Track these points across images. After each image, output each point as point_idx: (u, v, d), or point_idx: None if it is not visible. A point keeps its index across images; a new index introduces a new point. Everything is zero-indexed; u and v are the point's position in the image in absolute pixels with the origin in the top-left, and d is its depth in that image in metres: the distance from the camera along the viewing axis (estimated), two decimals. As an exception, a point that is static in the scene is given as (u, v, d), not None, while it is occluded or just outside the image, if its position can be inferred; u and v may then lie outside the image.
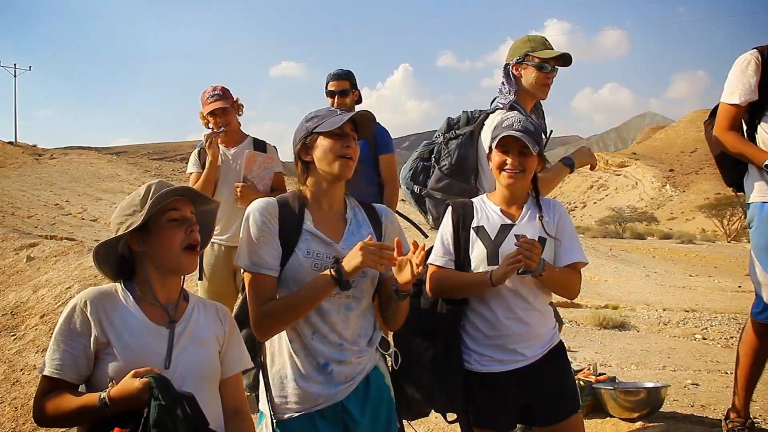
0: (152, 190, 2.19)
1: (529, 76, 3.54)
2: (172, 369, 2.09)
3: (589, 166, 3.77)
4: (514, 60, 3.58)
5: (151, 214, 2.13)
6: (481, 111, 3.70)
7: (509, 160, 2.70)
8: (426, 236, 3.62)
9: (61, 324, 2.07)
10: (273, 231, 2.30)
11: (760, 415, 4.78)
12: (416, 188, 3.77)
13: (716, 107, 3.63)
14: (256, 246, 2.28)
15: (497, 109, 3.56)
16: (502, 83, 3.58)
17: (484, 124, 3.54)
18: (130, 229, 2.14)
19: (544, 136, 2.85)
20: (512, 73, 3.58)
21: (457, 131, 3.71)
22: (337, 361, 2.32)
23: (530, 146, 2.64)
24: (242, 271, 2.34)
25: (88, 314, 2.06)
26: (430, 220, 3.77)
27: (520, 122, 2.71)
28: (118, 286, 2.20)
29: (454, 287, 2.71)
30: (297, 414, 2.32)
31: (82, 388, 2.09)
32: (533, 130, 2.69)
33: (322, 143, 2.33)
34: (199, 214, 2.30)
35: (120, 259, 2.22)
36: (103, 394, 1.94)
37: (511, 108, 3.49)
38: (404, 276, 2.23)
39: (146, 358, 2.06)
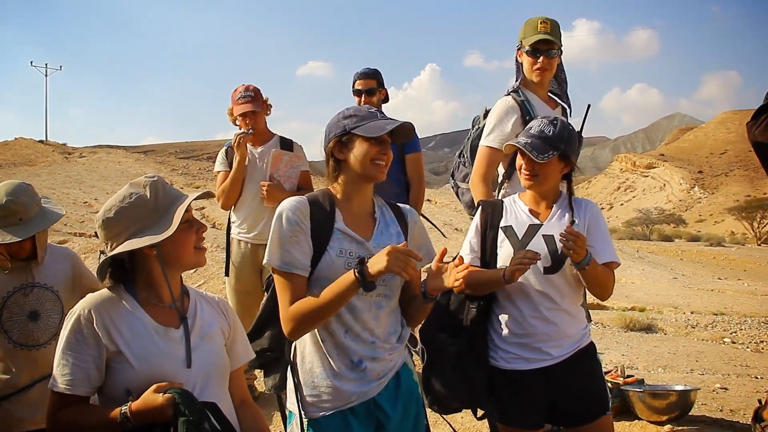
0: (159, 192, 2.12)
1: (524, 62, 3.65)
2: (192, 369, 2.07)
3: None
4: (516, 46, 3.69)
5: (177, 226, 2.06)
6: None
7: (523, 165, 2.74)
8: (445, 236, 3.68)
9: (67, 337, 2.00)
10: (305, 230, 2.29)
11: None
12: (452, 182, 4.01)
13: (760, 107, 3.55)
14: (288, 245, 2.27)
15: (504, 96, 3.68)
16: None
17: None
18: (159, 239, 2.03)
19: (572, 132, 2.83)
20: (516, 59, 3.70)
21: (478, 126, 3.86)
22: (371, 358, 2.33)
23: (533, 157, 2.64)
24: (272, 270, 2.34)
25: (95, 324, 1.99)
26: (465, 208, 3.98)
27: (539, 126, 2.73)
28: (120, 291, 2.11)
29: (476, 284, 2.71)
30: (329, 412, 2.32)
31: (94, 398, 2.04)
32: (551, 135, 2.69)
33: (360, 146, 2.32)
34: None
35: (117, 263, 2.13)
36: (125, 409, 1.90)
37: (514, 93, 3.62)
38: (438, 283, 2.26)
39: (162, 363, 2.03)
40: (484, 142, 3.60)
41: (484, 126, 3.73)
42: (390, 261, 2.10)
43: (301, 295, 2.27)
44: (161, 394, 1.89)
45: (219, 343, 2.22)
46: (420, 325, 2.72)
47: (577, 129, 3.57)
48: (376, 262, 2.14)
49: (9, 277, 2.97)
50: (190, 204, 2.14)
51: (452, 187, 4.15)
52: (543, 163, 2.68)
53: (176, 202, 2.13)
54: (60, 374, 1.97)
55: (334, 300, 2.21)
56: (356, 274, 2.16)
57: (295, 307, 2.25)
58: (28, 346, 2.93)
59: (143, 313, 2.08)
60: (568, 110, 3.87)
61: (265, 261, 2.32)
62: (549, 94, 3.79)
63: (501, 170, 3.68)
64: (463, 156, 3.99)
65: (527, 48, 3.58)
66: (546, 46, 3.55)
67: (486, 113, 3.82)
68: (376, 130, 2.30)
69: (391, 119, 2.38)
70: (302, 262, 2.28)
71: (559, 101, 3.83)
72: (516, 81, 3.68)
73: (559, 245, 2.59)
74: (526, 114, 3.53)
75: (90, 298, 2.08)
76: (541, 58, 3.55)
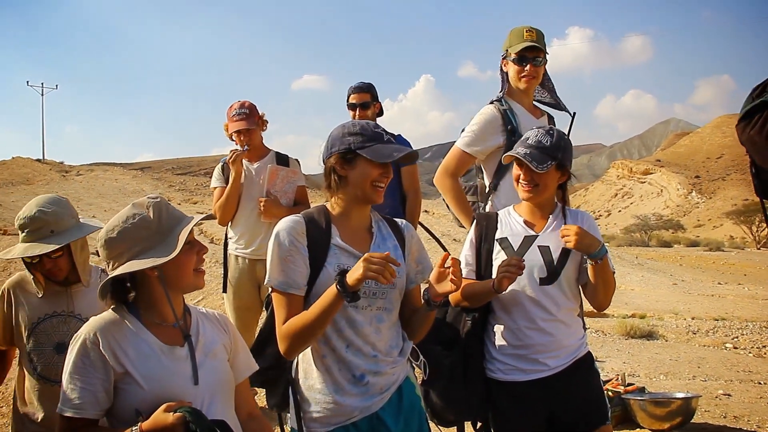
0: (162, 213, 2.12)
1: (510, 71, 3.63)
2: (200, 386, 2.08)
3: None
4: (501, 56, 3.68)
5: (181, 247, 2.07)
6: None
7: (522, 176, 2.74)
8: (445, 249, 3.66)
9: (74, 361, 1.99)
10: (301, 249, 2.30)
11: (758, 425, 4.69)
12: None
13: (752, 108, 3.51)
14: (284, 265, 2.28)
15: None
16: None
17: None
18: (162, 262, 2.03)
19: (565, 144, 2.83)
20: (501, 68, 3.69)
21: None
22: (373, 373, 2.32)
23: (533, 167, 2.64)
24: (270, 289, 2.35)
25: (101, 348, 1.99)
26: None
27: (536, 137, 2.75)
28: (123, 312, 2.11)
29: (471, 296, 2.72)
30: (332, 428, 2.31)
31: (103, 420, 2.04)
32: (549, 146, 2.70)
33: (363, 167, 2.31)
34: None
35: (119, 283, 2.13)
36: (135, 429, 1.90)
37: (497, 102, 3.60)
38: (443, 287, 2.26)
39: (170, 382, 2.04)
40: (459, 144, 3.59)
41: None
42: (365, 267, 2.08)
43: (296, 313, 2.27)
44: (171, 414, 1.89)
45: (223, 359, 2.22)
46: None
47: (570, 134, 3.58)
48: (354, 271, 2.13)
49: (43, 301, 2.86)
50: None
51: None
52: (542, 173, 2.68)
53: (179, 224, 2.14)
54: (68, 398, 1.98)
55: (321, 315, 2.20)
56: (337, 286, 2.15)
57: (287, 325, 2.25)
58: (51, 381, 2.80)
59: (148, 334, 2.09)
60: (554, 118, 3.87)
61: (266, 282, 2.32)
62: (534, 102, 3.78)
63: (487, 181, 3.66)
64: None
65: (513, 56, 3.57)
66: (532, 53, 3.54)
67: None
68: (383, 156, 2.30)
69: (398, 145, 2.37)
70: (297, 281, 2.28)
71: (543, 109, 3.82)
72: (501, 91, 3.67)
73: (558, 249, 2.62)
74: (507, 123, 3.52)
75: (94, 321, 2.07)
76: (528, 65, 3.54)
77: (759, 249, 41.46)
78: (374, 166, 2.30)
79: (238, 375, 2.29)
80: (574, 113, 3.76)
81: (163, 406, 1.91)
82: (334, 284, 2.16)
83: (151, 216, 2.11)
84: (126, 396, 2.00)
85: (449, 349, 2.77)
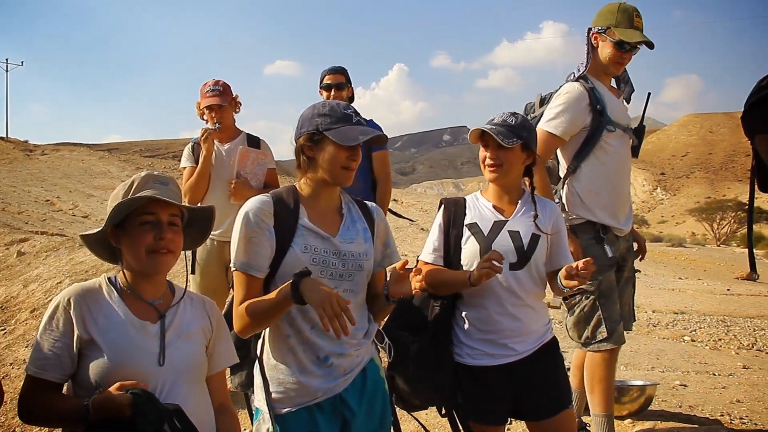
0: (134, 185, 2.15)
1: (605, 50, 3.46)
2: (165, 366, 2.07)
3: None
4: (596, 28, 3.47)
5: (125, 215, 2.10)
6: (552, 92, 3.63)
7: (488, 155, 2.73)
8: (413, 221, 3.60)
9: (45, 323, 2.04)
10: (267, 231, 2.28)
11: (746, 416, 4.82)
12: None
13: (757, 100, 3.41)
14: (248, 246, 2.27)
15: (567, 81, 3.48)
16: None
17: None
18: (98, 230, 2.13)
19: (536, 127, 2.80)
20: (591, 40, 3.49)
21: (531, 115, 3.65)
22: (337, 354, 2.33)
23: (500, 140, 2.63)
24: (232, 269, 2.34)
25: (71, 312, 2.02)
26: None
27: (502, 117, 2.73)
28: (103, 281, 2.15)
29: (439, 284, 2.71)
30: (295, 408, 2.32)
31: (68, 383, 2.06)
32: (514, 124, 2.69)
33: (330, 149, 2.29)
34: (195, 212, 2.31)
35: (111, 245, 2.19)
36: (87, 401, 1.91)
37: (582, 80, 3.42)
38: (400, 289, 2.26)
39: (134, 356, 2.03)
40: (545, 127, 3.41)
41: (539, 115, 3.56)
42: (320, 304, 2.02)
43: (255, 295, 2.27)
44: (122, 393, 1.88)
45: (198, 343, 2.21)
46: (383, 324, 2.72)
47: (639, 118, 3.49)
48: (311, 291, 2.07)
49: None
50: (164, 208, 2.13)
51: None
52: (507, 152, 2.68)
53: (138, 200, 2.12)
54: (34, 358, 2.01)
55: (272, 309, 2.20)
56: (291, 287, 2.11)
57: (243, 306, 2.25)
58: None
59: (122, 306, 2.10)
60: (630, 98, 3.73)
61: (231, 262, 2.32)
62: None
63: (564, 164, 3.54)
64: None
65: (617, 39, 3.37)
66: (636, 42, 3.39)
67: (542, 100, 3.65)
68: (348, 138, 2.27)
69: (365, 128, 2.35)
70: (260, 263, 2.28)
71: (619, 91, 3.68)
72: (585, 65, 3.48)
73: (528, 234, 2.67)
74: (595, 102, 3.38)
75: (73, 287, 2.11)
76: (628, 54, 3.42)
77: (719, 246, 42.30)
78: (341, 149, 2.29)
79: (215, 364, 2.29)
80: (649, 93, 3.67)
81: (117, 384, 1.91)
82: (290, 282, 2.13)
83: (127, 185, 2.16)
84: (90, 364, 2.00)
85: (416, 334, 2.76)
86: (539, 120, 3.52)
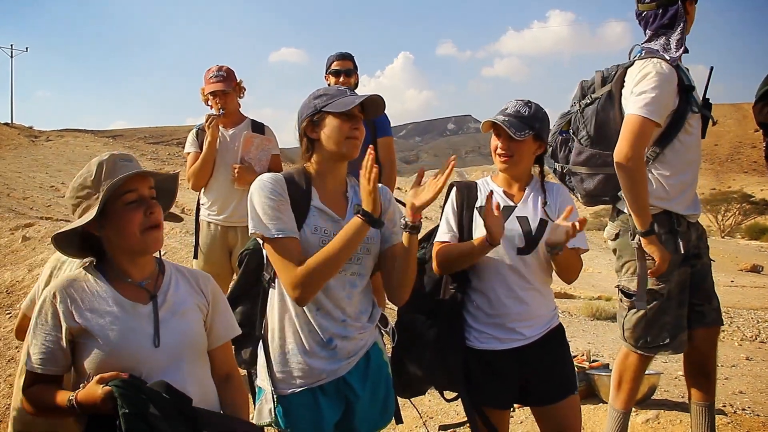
0: (104, 169, 2.06)
1: (692, 15, 3.21)
2: (161, 347, 2.04)
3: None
4: None
5: (105, 202, 2.01)
6: (618, 66, 3.32)
7: (500, 145, 2.73)
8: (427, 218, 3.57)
9: (35, 318, 2.01)
10: (286, 201, 2.28)
11: (749, 407, 4.82)
12: (557, 166, 3.50)
13: (765, 92, 3.22)
14: (277, 213, 2.24)
15: (644, 57, 3.18)
16: (655, 27, 3.22)
17: (624, 81, 3.23)
18: (85, 221, 2.03)
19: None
20: (679, 7, 3.18)
21: (592, 95, 3.36)
22: (341, 337, 2.33)
23: (511, 133, 2.63)
24: (262, 243, 2.31)
25: (57, 306, 1.99)
26: (579, 198, 3.43)
27: (515, 107, 2.73)
28: (91, 270, 2.09)
29: (457, 257, 2.71)
30: (299, 389, 2.33)
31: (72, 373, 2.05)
32: (526, 115, 2.69)
33: (331, 123, 2.31)
34: (165, 182, 2.23)
35: (84, 237, 2.12)
36: (72, 396, 1.90)
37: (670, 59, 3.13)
38: (422, 197, 2.26)
39: (128, 339, 2.00)
40: (641, 112, 3.05)
41: (603, 95, 3.28)
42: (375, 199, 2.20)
43: (301, 257, 2.23)
44: (101, 387, 1.84)
45: (194, 320, 2.16)
46: (397, 309, 2.72)
47: (701, 94, 3.26)
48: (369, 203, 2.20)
49: None
50: (142, 181, 2.08)
51: (555, 172, 3.53)
52: (518, 144, 2.68)
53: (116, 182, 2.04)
54: (31, 353, 1.99)
55: (345, 247, 2.20)
56: (362, 216, 2.18)
57: (306, 266, 2.20)
58: None
59: (111, 290, 2.05)
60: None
61: (251, 231, 2.28)
62: None
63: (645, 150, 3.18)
64: (579, 132, 3.34)
65: None
66: None
67: (603, 80, 3.34)
68: (345, 105, 2.29)
69: (360, 95, 2.37)
70: (293, 226, 2.26)
71: None
72: (678, 43, 3.16)
73: (536, 220, 2.68)
74: (683, 82, 3.12)
75: (59, 279, 2.07)
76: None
77: (723, 237, 42.27)
78: (341, 120, 2.30)
79: (216, 337, 2.24)
80: (712, 68, 3.38)
81: (97, 377, 1.88)
82: (357, 216, 2.20)
83: (93, 172, 2.07)
84: (86, 352, 1.98)
85: (432, 318, 2.76)
86: (602, 102, 3.27)
